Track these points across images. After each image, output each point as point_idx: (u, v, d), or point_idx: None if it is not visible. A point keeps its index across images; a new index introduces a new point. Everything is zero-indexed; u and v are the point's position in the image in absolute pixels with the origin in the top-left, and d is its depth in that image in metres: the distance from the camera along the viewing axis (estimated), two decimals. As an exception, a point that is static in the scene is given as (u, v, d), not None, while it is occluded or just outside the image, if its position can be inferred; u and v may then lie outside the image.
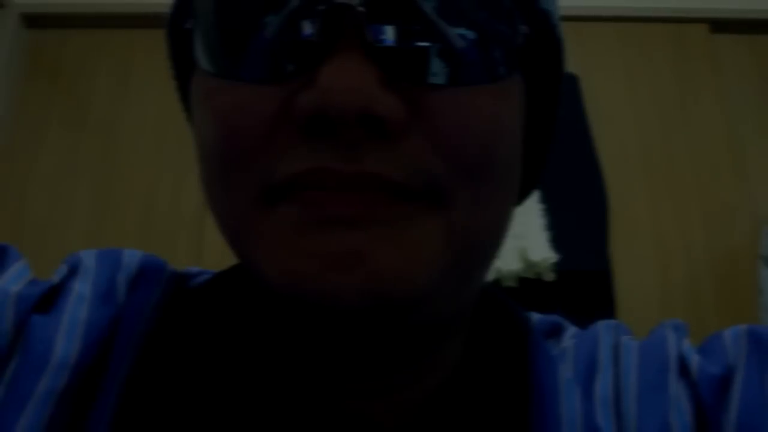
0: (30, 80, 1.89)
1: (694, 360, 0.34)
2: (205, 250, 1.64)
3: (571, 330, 0.39)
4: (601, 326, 0.38)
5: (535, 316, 0.39)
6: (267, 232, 0.27)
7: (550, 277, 1.45)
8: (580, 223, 1.55)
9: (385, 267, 0.26)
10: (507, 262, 1.42)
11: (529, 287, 1.45)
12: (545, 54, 0.33)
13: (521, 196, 0.37)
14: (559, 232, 1.48)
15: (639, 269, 1.66)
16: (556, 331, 0.39)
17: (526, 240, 1.44)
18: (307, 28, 0.26)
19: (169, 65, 0.36)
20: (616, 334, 0.37)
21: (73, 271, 0.36)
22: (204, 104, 0.29)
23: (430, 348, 0.33)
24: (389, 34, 0.26)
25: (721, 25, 1.90)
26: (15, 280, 0.35)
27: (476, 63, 0.28)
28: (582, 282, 1.50)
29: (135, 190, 1.77)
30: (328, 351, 0.31)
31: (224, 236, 0.31)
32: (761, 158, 1.82)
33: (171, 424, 0.31)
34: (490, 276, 1.15)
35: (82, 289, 0.35)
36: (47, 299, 0.35)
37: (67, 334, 0.33)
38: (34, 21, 1.93)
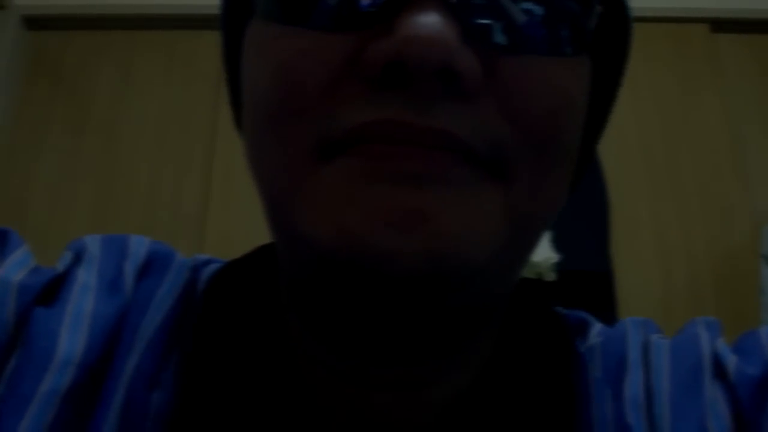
0: (31, 82, 1.90)
1: (731, 361, 0.32)
2: (206, 251, 1.64)
3: (596, 327, 0.37)
4: (629, 323, 0.36)
5: (562, 312, 0.38)
6: (320, 187, 0.25)
7: (551, 277, 1.45)
8: (582, 223, 1.55)
9: (449, 231, 0.24)
10: (508, 262, 1.42)
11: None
12: (615, 36, 0.32)
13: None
14: (560, 232, 1.48)
15: (640, 269, 1.66)
16: (582, 328, 0.37)
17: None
18: None
19: (220, 12, 0.34)
20: (645, 331, 0.36)
21: (77, 258, 0.35)
22: (262, 51, 0.28)
23: (469, 335, 0.31)
24: None
25: (721, 25, 1.90)
26: (16, 268, 0.33)
27: (553, 34, 0.27)
28: (583, 282, 1.50)
29: (136, 191, 1.78)
30: (368, 329, 0.29)
31: (265, 201, 0.29)
32: (762, 157, 1.82)
33: (188, 422, 0.30)
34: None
35: (86, 278, 0.33)
36: (51, 289, 0.33)
37: (71, 327, 0.31)
38: (35, 23, 1.93)
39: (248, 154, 0.30)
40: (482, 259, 0.26)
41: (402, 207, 0.24)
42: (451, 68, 0.24)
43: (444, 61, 0.24)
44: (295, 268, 0.30)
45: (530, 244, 0.30)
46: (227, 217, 1.67)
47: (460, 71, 0.24)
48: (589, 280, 1.52)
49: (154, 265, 0.35)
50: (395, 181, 0.24)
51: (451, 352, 0.31)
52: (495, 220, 0.26)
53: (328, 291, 0.29)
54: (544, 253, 1.44)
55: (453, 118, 0.25)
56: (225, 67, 0.34)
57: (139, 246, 0.36)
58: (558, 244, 1.47)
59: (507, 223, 0.26)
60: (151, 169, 1.80)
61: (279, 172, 0.27)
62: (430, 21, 0.23)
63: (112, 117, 1.85)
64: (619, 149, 1.73)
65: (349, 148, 0.25)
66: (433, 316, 0.28)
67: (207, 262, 0.38)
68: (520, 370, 0.33)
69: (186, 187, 1.77)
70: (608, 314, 1.52)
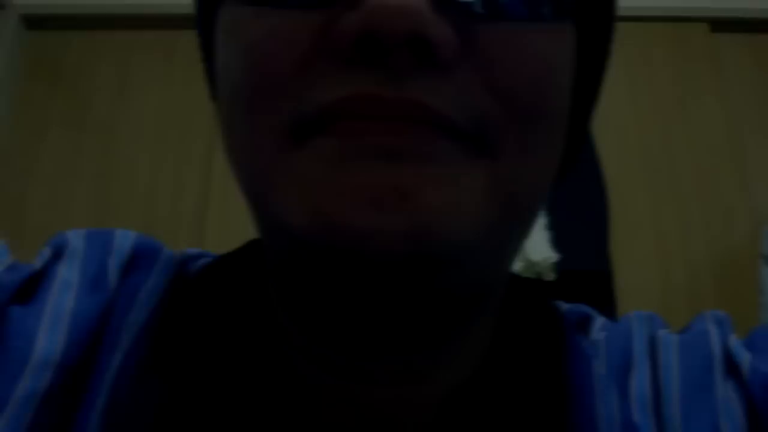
0: (30, 81, 1.89)
1: (745, 358, 0.32)
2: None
3: (599, 321, 0.36)
4: (634, 317, 0.36)
5: (564, 306, 0.37)
6: (295, 170, 0.24)
7: (550, 276, 1.45)
8: (581, 222, 1.55)
9: (430, 209, 0.23)
10: (507, 262, 1.42)
11: (529, 287, 1.45)
12: (598, 5, 0.31)
13: (560, 171, 0.34)
14: (559, 232, 1.48)
15: (640, 269, 1.66)
16: (584, 323, 0.36)
17: (527, 239, 1.44)
18: None
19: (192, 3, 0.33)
20: (650, 326, 0.35)
21: (58, 254, 0.33)
22: (233, 33, 0.27)
23: (462, 324, 0.30)
24: None
25: (721, 25, 1.90)
26: None
27: (532, 0, 0.26)
28: (582, 282, 1.50)
29: (135, 191, 1.78)
30: (355, 319, 0.28)
31: (243, 189, 0.28)
32: (761, 157, 1.82)
33: (169, 423, 0.29)
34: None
35: (68, 274, 0.32)
36: (28, 287, 0.31)
37: (50, 327, 0.30)
38: (34, 22, 1.93)
39: (224, 143, 0.29)
40: (468, 238, 0.24)
41: (378, 184, 0.23)
42: (423, 37, 0.23)
43: (414, 29, 0.22)
44: (277, 258, 0.30)
45: (522, 224, 0.29)
46: (227, 217, 1.67)
47: (432, 40, 0.23)
48: (589, 280, 1.52)
49: (139, 260, 0.34)
50: (371, 157, 0.23)
51: (444, 342, 0.30)
52: (480, 197, 0.25)
53: (310, 279, 0.27)
54: (544, 253, 1.44)
55: (430, 90, 0.24)
56: (202, 58, 0.34)
57: (124, 240, 0.34)
58: (557, 244, 1.47)
59: (494, 200, 0.25)
60: (151, 169, 1.80)
61: (255, 158, 0.26)
62: None
63: (112, 117, 1.85)
64: (619, 148, 1.73)
65: (323, 128, 0.24)
66: (420, 300, 0.27)
67: (198, 257, 0.37)
68: (516, 365, 0.32)
69: (186, 187, 1.77)
70: (608, 314, 1.52)
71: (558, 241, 1.47)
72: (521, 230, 0.29)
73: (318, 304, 0.29)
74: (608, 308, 1.53)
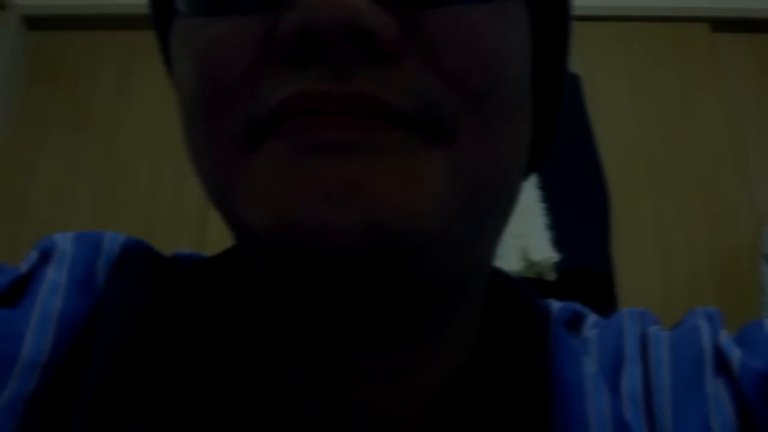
0: (31, 82, 1.89)
1: (735, 354, 0.31)
2: (207, 251, 1.64)
3: (591, 318, 0.36)
4: (625, 315, 0.36)
5: (556, 304, 0.37)
6: (251, 173, 0.24)
7: (551, 276, 1.45)
8: (582, 222, 1.55)
9: (386, 201, 0.23)
10: (508, 261, 1.42)
11: (530, 287, 1.45)
12: None
13: (534, 161, 0.33)
14: (560, 232, 1.48)
15: (641, 269, 1.66)
16: (576, 320, 0.36)
17: (528, 239, 1.44)
18: None
19: (151, 22, 0.33)
20: (641, 323, 0.35)
21: (45, 256, 0.33)
22: (183, 45, 0.27)
23: (438, 316, 0.29)
24: None
25: (722, 24, 1.90)
26: None
27: None
28: (584, 282, 1.50)
29: (136, 192, 1.78)
30: (324, 316, 0.28)
31: (207, 193, 0.28)
32: (763, 157, 1.81)
33: (155, 424, 0.29)
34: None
35: (56, 276, 0.32)
36: (14, 290, 0.31)
37: (37, 328, 0.30)
38: (35, 23, 1.93)
39: (187, 152, 0.29)
40: (429, 227, 0.24)
41: (329, 179, 0.23)
42: (361, 28, 0.23)
43: (351, 22, 0.22)
44: (248, 258, 0.30)
45: (494, 211, 0.28)
46: (228, 217, 1.67)
47: (372, 30, 0.23)
48: (590, 280, 1.52)
49: (128, 261, 0.34)
50: (320, 152, 0.23)
51: (422, 336, 0.29)
52: (438, 186, 0.24)
53: (278, 279, 0.28)
54: (545, 253, 1.44)
55: (377, 82, 0.23)
56: (167, 73, 0.34)
57: (113, 242, 0.35)
58: (558, 244, 1.47)
59: (456, 187, 0.25)
60: (151, 169, 1.80)
61: (214, 164, 0.26)
62: None
63: (112, 117, 1.85)
64: (620, 148, 1.73)
65: (275, 128, 0.24)
66: (388, 294, 0.26)
67: (188, 258, 0.37)
68: (498, 364, 0.32)
69: (186, 187, 1.77)
70: (609, 314, 1.52)
71: (559, 240, 1.47)
72: (495, 217, 0.29)
73: (288, 304, 0.29)
74: (610, 308, 1.53)
